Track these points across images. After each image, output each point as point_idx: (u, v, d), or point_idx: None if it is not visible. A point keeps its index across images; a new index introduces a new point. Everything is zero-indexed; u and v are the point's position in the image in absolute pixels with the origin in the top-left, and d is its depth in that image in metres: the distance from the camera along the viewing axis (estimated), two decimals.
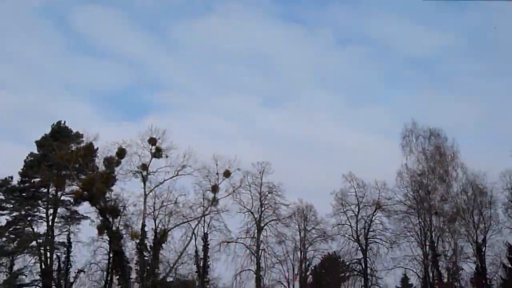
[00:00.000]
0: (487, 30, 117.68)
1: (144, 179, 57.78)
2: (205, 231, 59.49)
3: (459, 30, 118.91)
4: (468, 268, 59.84)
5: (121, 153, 57.83)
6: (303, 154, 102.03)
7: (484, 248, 59.12)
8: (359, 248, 61.75)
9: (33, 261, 57.57)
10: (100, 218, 56.13)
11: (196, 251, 58.98)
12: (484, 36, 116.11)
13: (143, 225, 56.67)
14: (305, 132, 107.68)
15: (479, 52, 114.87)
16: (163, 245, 57.27)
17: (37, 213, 59.37)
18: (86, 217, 57.89)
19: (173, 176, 58.03)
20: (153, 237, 56.92)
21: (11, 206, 58.52)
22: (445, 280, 59.58)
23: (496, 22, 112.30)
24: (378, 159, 79.13)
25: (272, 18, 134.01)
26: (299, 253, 62.28)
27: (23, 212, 58.18)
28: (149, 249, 56.74)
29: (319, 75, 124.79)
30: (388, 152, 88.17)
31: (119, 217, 56.66)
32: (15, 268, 57.73)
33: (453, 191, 60.31)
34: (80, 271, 57.28)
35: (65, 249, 58.45)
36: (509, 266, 58.92)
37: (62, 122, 62.31)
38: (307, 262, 63.01)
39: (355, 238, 61.82)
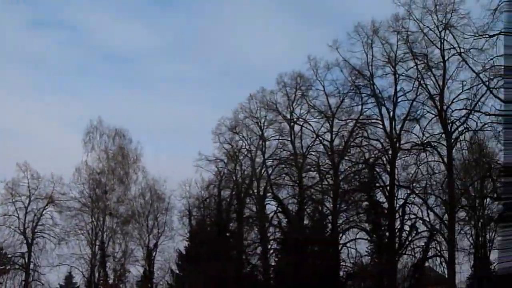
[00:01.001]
0: (192, 33, 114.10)
1: None
2: None
3: (167, 30, 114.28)
4: (135, 271, 60.73)
5: None
6: None
7: (154, 252, 60.24)
8: (25, 242, 59.13)
9: None
10: None
11: None
12: (189, 40, 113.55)
13: None
14: None
15: (182, 55, 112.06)
16: None
17: None
18: None
19: None
20: None
21: None
22: (111, 281, 59.55)
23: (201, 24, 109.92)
24: (59, 152, 74.46)
25: None
26: None
27: None
28: None
29: (9, 53, 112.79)
30: (70, 146, 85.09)
31: None
32: None
33: (131, 194, 60.80)
34: None
35: None
36: (177, 272, 60.80)
37: None
38: None
39: (22, 230, 59.00)
